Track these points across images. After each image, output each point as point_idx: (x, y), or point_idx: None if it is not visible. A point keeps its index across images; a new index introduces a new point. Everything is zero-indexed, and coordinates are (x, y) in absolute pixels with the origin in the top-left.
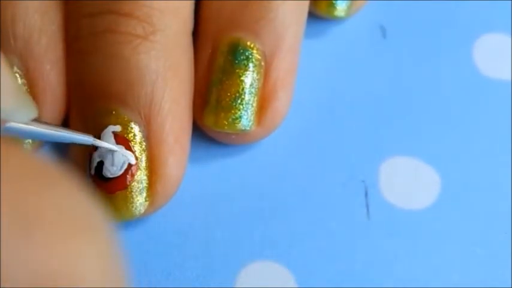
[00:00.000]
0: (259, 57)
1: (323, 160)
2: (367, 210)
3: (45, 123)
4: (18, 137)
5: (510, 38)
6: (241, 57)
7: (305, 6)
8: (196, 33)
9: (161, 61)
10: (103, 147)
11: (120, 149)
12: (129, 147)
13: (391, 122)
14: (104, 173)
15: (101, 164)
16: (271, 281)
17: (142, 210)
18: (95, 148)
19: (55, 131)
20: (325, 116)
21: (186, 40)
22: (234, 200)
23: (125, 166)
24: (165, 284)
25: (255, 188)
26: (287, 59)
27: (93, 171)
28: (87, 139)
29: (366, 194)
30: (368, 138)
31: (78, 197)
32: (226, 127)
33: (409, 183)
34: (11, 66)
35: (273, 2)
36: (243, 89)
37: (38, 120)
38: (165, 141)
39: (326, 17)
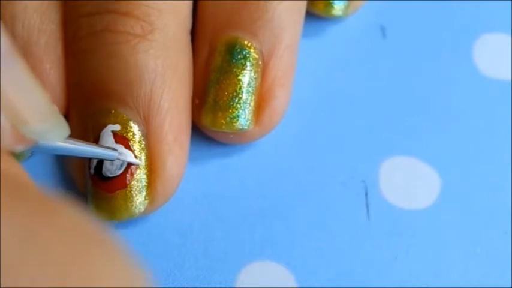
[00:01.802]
0: (256, 56)
1: (323, 160)
2: (367, 210)
3: (72, 139)
4: (45, 153)
5: (510, 38)
6: (239, 57)
7: (302, 5)
8: (194, 33)
9: (160, 60)
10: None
11: (119, 148)
12: (128, 146)
13: (391, 122)
14: (103, 173)
15: (100, 163)
16: (271, 280)
17: (142, 209)
18: None
19: (82, 146)
20: (325, 115)
21: (185, 39)
22: (234, 200)
23: (125, 165)
24: (165, 284)
25: (255, 188)
26: (284, 58)
27: (92, 171)
28: (112, 154)
29: (366, 194)
30: (368, 138)
31: (123, 260)
32: (224, 126)
33: (409, 183)
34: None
35: (270, 2)
36: (240, 88)
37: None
38: (164, 140)
39: (324, 16)
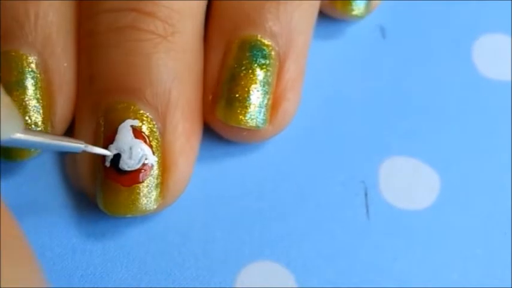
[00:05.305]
0: (275, 57)
1: (323, 160)
2: (367, 210)
3: (35, 131)
4: (6, 146)
5: (510, 38)
6: (259, 55)
7: (316, 10)
8: (207, 31)
9: (179, 62)
10: (119, 141)
11: (138, 143)
12: (147, 142)
13: (390, 122)
14: (120, 166)
15: (117, 156)
16: (271, 281)
17: (156, 206)
18: (112, 140)
19: (45, 139)
20: (325, 116)
21: (199, 42)
22: (234, 200)
23: (142, 160)
24: (165, 284)
25: (255, 188)
26: (298, 62)
27: (108, 164)
28: (78, 146)
29: (366, 194)
30: (368, 138)
31: None
32: (242, 122)
33: (408, 183)
34: (30, 61)
35: (289, 3)
36: (260, 86)
37: (28, 129)
38: (178, 140)
39: (342, 16)
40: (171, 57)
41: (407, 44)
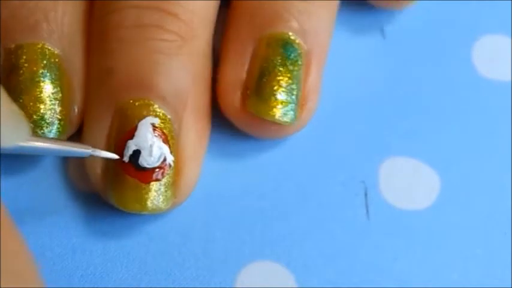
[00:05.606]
0: (303, 55)
1: (323, 160)
2: (367, 210)
3: (41, 137)
4: (12, 152)
5: (509, 39)
6: (291, 52)
7: (336, 12)
8: (227, 32)
9: (197, 66)
10: (139, 137)
11: (157, 141)
12: (166, 141)
13: (390, 123)
14: (140, 162)
15: (137, 153)
16: (271, 280)
17: (169, 205)
18: (131, 136)
19: (52, 144)
20: (325, 116)
21: (210, 47)
22: (234, 200)
23: (162, 159)
24: (165, 284)
25: (255, 188)
26: (320, 64)
27: (127, 159)
28: (85, 151)
29: (366, 194)
30: (368, 138)
31: None
32: (276, 117)
33: (408, 183)
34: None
35: (316, 3)
36: (294, 83)
37: (35, 135)
38: (192, 143)
39: (395, 4)
40: (191, 60)
41: (407, 45)
